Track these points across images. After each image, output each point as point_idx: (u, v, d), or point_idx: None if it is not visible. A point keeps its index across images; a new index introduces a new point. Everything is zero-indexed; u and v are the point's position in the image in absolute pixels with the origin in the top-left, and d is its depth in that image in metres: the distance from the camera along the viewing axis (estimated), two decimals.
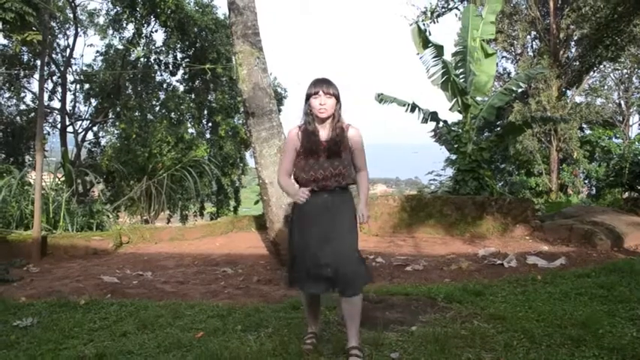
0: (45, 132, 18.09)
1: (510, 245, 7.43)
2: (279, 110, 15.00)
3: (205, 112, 19.14)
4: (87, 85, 19.06)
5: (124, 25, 17.56)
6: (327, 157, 3.35)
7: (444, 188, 12.41)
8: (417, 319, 4.10)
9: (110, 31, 17.89)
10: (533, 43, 21.65)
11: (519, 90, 14.58)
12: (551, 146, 19.93)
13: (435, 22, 14.36)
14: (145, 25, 17.62)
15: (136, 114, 17.29)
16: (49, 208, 9.07)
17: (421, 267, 6.24)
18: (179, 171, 12.81)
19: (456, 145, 10.72)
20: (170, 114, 17.60)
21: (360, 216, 3.39)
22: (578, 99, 21.60)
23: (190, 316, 4.37)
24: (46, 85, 17.70)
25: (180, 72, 18.86)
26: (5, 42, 16.67)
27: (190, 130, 17.88)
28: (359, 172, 3.50)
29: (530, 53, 21.06)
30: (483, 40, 10.68)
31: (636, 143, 17.96)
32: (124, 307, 4.71)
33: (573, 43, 20.36)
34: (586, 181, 22.06)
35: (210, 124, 19.31)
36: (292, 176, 3.49)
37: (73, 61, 18.80)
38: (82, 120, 19.56)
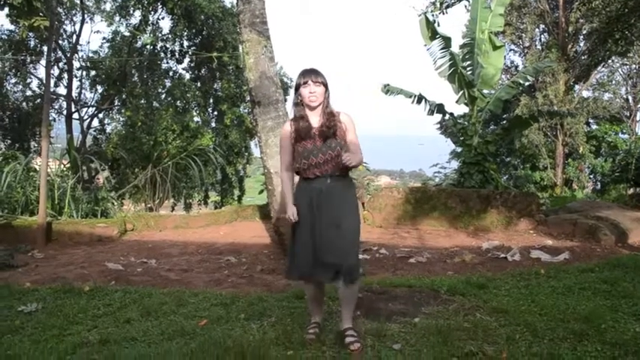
0: (51, 118, 18.09)
1: (514, 239, 7.42)
2: (285, 100, 14.97)
3: (211, 100, 19.09)
4: (93, 72, 19.00)
5: (131, 11, 17.48)
6: (323, 141, 3.44)
7: (448, 181, 12.36)
8: (420, 310, 4.11)
9: (117, 18, 17.84)
10: (542, 36, 21.47)
11: (526, 83, 14.46)
12: (557, 141, 19.81)
13: (444, 14, 14.22)
14: (152, 13, 17.53)
15: (142, 102, 17.26)
16: (54, 195, 9.11)
17: (424, 259, 6.24)
18: (184, 159, 12.82)
19: (461, 138, 10.68)
20: (176, 102, 17.57)
21: (345, 158, 3.29)
22: (585, 93, 21.45)
23: (194, 304, 4.39)
24: (52, 72, 17.71)
25: (187, 60, 18.80)
26: (12, 27, 16.66)
27: (196, 119, 17.85)
28: None
29: (539, 46, 20.88)
30: (492, 33, 10.59)
31: None
32: (128, 294, 4.74)
33: (582, 37, 20.15)
34: (591, 176, 21.94)
35: (215, 113, 19.27)
36: (295, 166, 3.54)
37: (79, 47, 18.73)
38: (88, 107, 19.54)
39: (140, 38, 17.49)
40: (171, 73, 19.10)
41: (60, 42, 18.04)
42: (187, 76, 19.08)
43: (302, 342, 3.40)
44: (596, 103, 20.38)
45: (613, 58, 20.54)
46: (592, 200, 12.24)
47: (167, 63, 18.93)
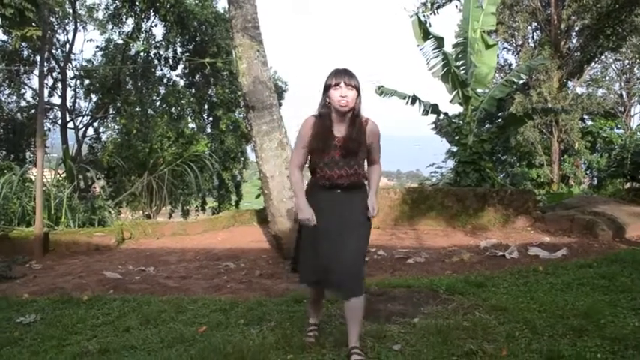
0: (46, 128, 18.06)
1: (512, 236, 7.43)
2: (280, 104, 14.99)
3: (206, 106, 19.12)
4: (87, 81, 18.99)
5: (124, 19, 17.48)
6: (343, 156, 3.16)
7: (445, 180, 12.40)
8: (419, 310, 4.11)
9: (110, 26, 17.84)
10: (534, 34, 21.54)
11: (520, 81, 14.55)
12: (553, 137, 19.88)
13: (435, 14, 14.29)
14: (145, 20, 17.55)
15: (137, 109, 17.27)
16: (51, 205, 9.08)
17: (423, 259, 6.25)
18: (180, 166, 12.82)
19: (456, 137, 10.70)
20: (170, 109, 17.59)
21: (371, 209, 3.25)
22: (579, 90, 21.55)
23: (193, 311, 4.38)
24: (46, 81, 17.65)
25: (181, 66, 18.83)
26: (5, 38, 16.64)
27: (191, 125, 17.90)
28: (372, 165, 3.37)
29: (532, 44, 20.95)
30: (484, 32, 10.64)
31: (637, 134, 17.89)
32: (126, 303, 4.72)
33: (574, 33, 20.25)
34: (587, 172, 22.04)
35: (210, 119, 19.30)
36: (308, 163, 3.32)
37: (72, 56, 18.70)
38: (83, 116, 19.51)
39: (133, 46, 17.49)
40: (165, 80, 19.13)
41: (53, 51, 18.01)
42: (181, 82, 19.13)
43: (302, 345, 3.39)
44: (590, 99, 20.48)
45: (605, 53, 20.64)
46: (589, 196, 12.26)
47: (161, 70, 18.98)
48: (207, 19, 17.18)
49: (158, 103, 18.20)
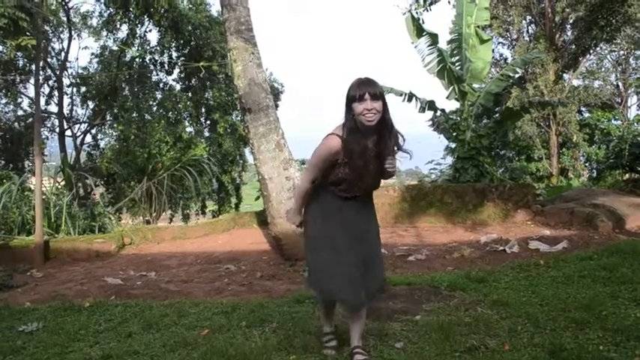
0: (43, 136, 18.08)
1: (512, 231, 7.43)
2: (276, 105, 14.98)
3: (203, 110, 19.08)
4: (83, 88, 18.98)
5: (118, 26, 17.50)
6: (376, 166, 3.00)
7: (444, 177, 12.37)
8: (421, 308, 4.11)
9: (104, 33, 17.84)
10: (529, 27, 21.51)
11: (516, 75, 14.55)
12: (551, 131, 19.88)
13: (427, 11, 14.25)
14: (139, 25, 17.55)
15: (134, 115, 17.25)
16: (51, 213, 9.08)
17: (423, 256, 6.25)
18: (179, 170, 12.78)
19: (454, 134, 10.70)
20: (168, 113, 17.56)
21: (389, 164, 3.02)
22: (575, 82, 21.54)
23: (195, 315, 4.38)
24: (42, 90, 17.69)
25: (176, 71, 18.80)
26: (0, 48, 16.63)
27: (188, 129, 17.86)
28: None
29: (527, 38, 20.93)
30: (478, 27, 10.63)
31: (635, 124, 17.94)
32: (128, 308, 4.72)
33: (569, 26, 20.23)
34: (586, 164, 22.03)
35: (208, 122, 19.26)
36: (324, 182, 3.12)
37: (68, 64, 18.69)
38: (80, 123, 19.51)
39: (128, 52, 17.48)
40: (161, 85, 19.12)
41: (48, 60, 18.02)
42: (178, 87, 19.09)
43: (304, 346, 3.39)
44: (587, 91, 20.47)
45: (601, 45, 20.61)
46: (588, 188, 12.27)
47: (157, 75, 18.97)
48: (202, 23, 17.16)
49: (155, 108, 18.16)
